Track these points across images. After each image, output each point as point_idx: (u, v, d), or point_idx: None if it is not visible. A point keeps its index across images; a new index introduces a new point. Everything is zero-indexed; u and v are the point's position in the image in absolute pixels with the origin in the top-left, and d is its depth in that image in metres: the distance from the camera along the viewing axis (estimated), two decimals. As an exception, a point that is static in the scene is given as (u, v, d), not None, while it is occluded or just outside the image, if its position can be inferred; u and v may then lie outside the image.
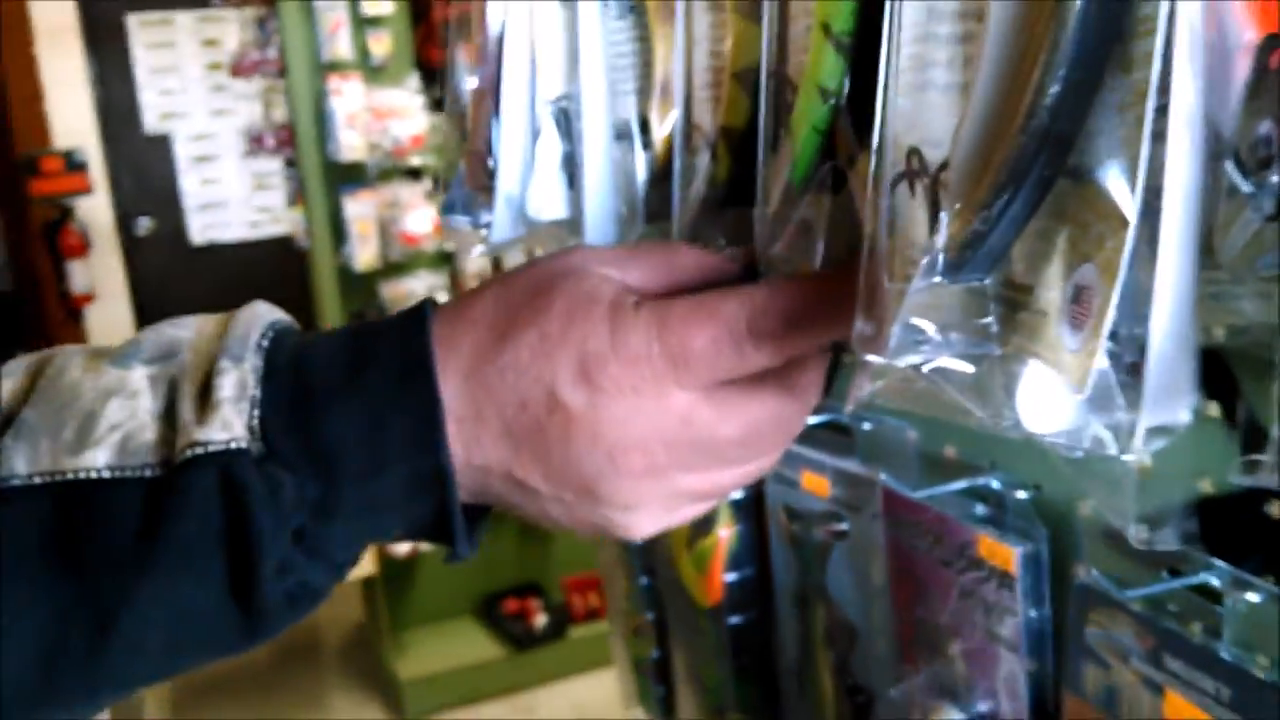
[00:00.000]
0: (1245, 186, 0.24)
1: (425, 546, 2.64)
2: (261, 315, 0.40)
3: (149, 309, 4.34)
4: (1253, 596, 0.36)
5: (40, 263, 4.13)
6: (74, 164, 3.96)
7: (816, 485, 0.58)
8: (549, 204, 0.53)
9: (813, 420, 0.57)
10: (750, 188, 0.42)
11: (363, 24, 2.87)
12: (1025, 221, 0.28)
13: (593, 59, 0.50)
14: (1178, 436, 0.27)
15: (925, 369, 0.30)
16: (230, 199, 4.66)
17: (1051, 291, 0.28)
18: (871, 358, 0.30)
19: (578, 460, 0.38)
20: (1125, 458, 0.27)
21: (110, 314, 4.31)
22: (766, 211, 0.41)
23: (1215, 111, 0.25)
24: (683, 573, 0.69)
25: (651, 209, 0.50)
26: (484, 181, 0.53)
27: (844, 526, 0.57)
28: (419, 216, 2.89)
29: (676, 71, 0.46)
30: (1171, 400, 0.26)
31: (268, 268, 4.42)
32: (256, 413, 0.37)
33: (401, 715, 2.95)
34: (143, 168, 4.52)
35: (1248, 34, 0.24)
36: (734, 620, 0.66)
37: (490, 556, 3.07)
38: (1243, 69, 0.24)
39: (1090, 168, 0.26)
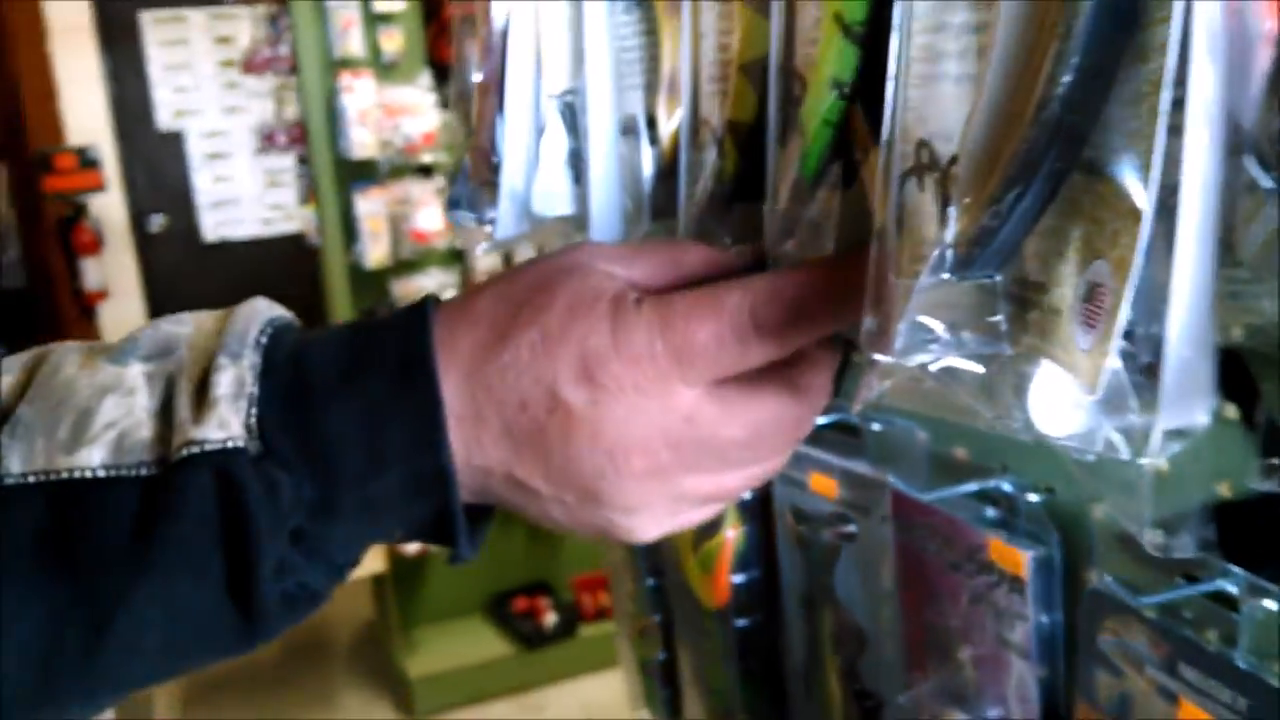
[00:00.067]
0: (1266, 181, 0.24)
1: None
2: (261, 312, 0.40)
3: (161, 306, 4.36)
4: (1270, 604, 0.36)
5: (53, 259, 4.15)
6: (87, 161, 3.98)
7: (824, 486, 0.58)
8: (554, 200, 0.53)
9: (821, 420, 0.57)
10: (757, 183, 0.42)
11: (374, 21, 2.87)
12: (1037, 217, 0.27)
13: (599, 53, 0.49)
14: (1194, 440, 0.26)
15: (933, 368, 0.29)
16: (243, 196, 4.68)
17: (1064, 289, 0.27)
18: (878, 357, 0.30)
19: (578, 461, 0.37)
20: (1140, 461, 0.26)
21: (123, 311, 4.33)
22: (776, 208, 0.40)
23: (1234, 104, 0.24)
24: (689, 574, 0.68)
25: (658, 205, 0.50)
26: (488, 177, 0.53)
27: (852, 529, 0.56)
28: (430, 214, 2.89)
29: (683, 65, 0.46)
30: (1188, 402, 0.26)
31: (280, 265, 4.44)
32: (254, 411, 0.36)
33: (411, 713, 2.96)
34: (156, 165, 4.55)
35: (1268, 24, 0.23)
36: (741, 623, 0.66)
37: (500, 555, 3.08)
38: (1264, 60, 0.24)
39: (1104, 161, 0.26)
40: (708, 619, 0.68)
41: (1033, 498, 0.47)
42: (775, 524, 0.63)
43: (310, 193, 3.13)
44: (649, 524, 0.39)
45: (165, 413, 0.37)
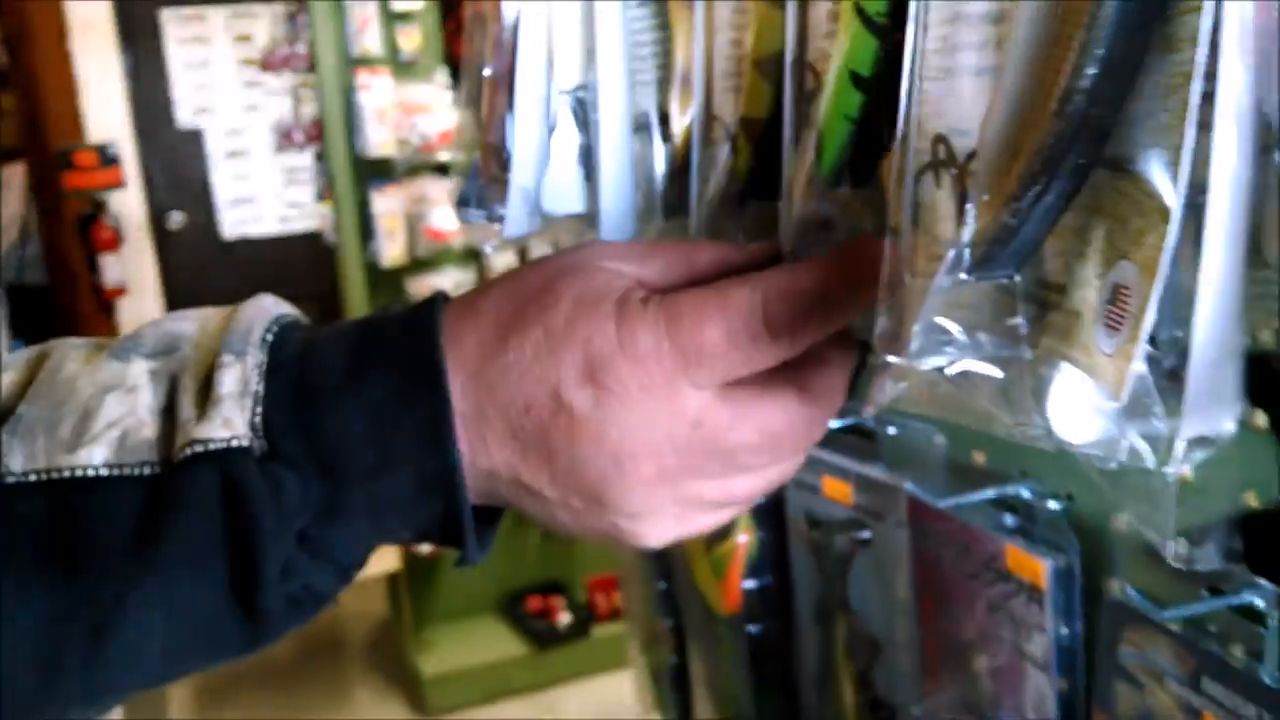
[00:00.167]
0: (1298, 180, 0.23)
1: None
2: (267, 309, 0.39)
3: (180, 302, 4.37)
4: (1298, 618, 0.35)
5: (73, 256, 4.18)
6: (107, 158, 4.01)
7: (839, 492, 0.57)
8: (565, 197, 0.52)
9: (836, 424, 0.56)
10: (770, 181, 0.41)
11: (392, 19, 2.88)
12: (1058, 215, 0.26)
13: (611, 48, 0.49)
14: (1220, 447, 0.26)
15: (950, 372, 0.29)
16: (261, 194, 4.70)
17: (1086, 290, 0.26)
18: (892, 359, 0.29)
19: (583, 465, 0.36)
20: (1164, 469, 0.26)
21: (142, 307, 4.36)
22: (791, 205, 0.39)
23: (1266, 99, 0.23)
24: (700, 579, 0.68)
25: (670, 203, 0.49)
26: (498, 174, 0.52)
27: (867, 535, 0.56)
28: (446, 212, 2.89)
29: (696, 61, 0.45)
30: (1214, 409, 0.25)
31: (298, 262, 4.47)
32: (259, 410, 0.36)
33: (424, 712, 2.96)
34: (175, 162, 4.58)
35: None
36: (753, 629, 0.65)
37: (514, 554, 3.08)
38: (1296, 54, 0.23)
39: (1129, 158, 0.25)
40: (719, 625, 0.68)
41: (1052, 505, 0.46)
42: (788, 529, 0.63)
43: (328, 190, 3.14)
44: (657, 529, 0.38)
45: (169, 411, 0.36)
